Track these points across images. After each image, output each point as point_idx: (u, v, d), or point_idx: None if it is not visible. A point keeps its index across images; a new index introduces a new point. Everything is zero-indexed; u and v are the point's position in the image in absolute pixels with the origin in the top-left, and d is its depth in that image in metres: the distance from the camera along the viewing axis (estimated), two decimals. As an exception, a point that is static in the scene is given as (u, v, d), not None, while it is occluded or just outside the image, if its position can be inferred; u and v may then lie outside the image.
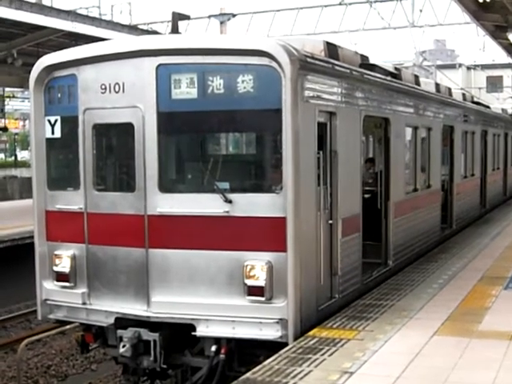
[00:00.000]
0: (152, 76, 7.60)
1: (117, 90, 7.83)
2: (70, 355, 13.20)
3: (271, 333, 7.34)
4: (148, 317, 7.72)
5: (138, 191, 7.78)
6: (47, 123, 8.49)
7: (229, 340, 7.50)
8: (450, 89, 17.09)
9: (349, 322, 7.94)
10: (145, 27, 29.33)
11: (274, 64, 7.24)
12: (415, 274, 10.74)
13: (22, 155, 55.52)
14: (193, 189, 7.91)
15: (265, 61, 7.27)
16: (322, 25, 44.97)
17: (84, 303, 8.21)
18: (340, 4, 31.15)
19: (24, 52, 19.64)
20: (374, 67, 10.38)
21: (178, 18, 8.65)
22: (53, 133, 8.48)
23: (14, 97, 39.98)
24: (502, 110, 26.18)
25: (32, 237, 8.88)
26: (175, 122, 7.94)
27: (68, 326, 10.27)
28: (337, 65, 8.61)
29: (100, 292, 8.12)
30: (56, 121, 8.44)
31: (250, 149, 8.45)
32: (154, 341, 7.58)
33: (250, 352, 7.63)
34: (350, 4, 31.25)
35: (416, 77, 13.65)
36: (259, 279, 7.33)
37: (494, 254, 12.64)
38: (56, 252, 8.42)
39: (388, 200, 10.56)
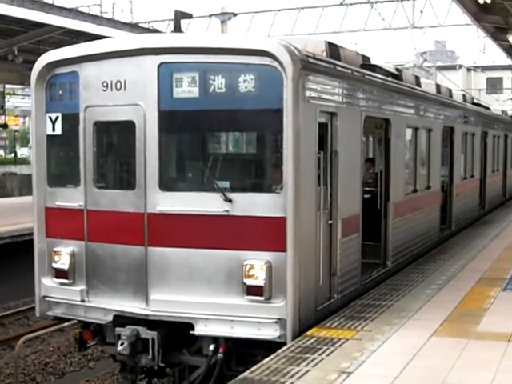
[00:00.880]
0: (154, 74, 7.61)
1: (118, 87, 7.83)
2: (68, 353, 13.21)
3: (270, 332, 7.34)
4: (146, 315, 7.72)
5: (138, 189, 7.78)
6: (48, 120, 8.49)
7: (227, 339, 7.50)
8: (450, 90, 17.10)
9: (347, 321, 7.95)
10: (146, 26, 29.33)
11: (275, 64, 7.24)
12: (414, 274, 10.75)
13: (22, 152, 55.47)
14: (193, 187, 7.91)
15: (266, 60, 7.27)
16: (323, 25, 44.94)
17: (82, 300, 8.22)
18: (341, 4, 31.16)
19: (25, 49, 19.63)
20: (375, 68, 10.38)
21: (180, 16, 8.64)
22: (53, 130, 8.48)
23: (14, 94, 39.95)
24: (502, 111, 26.19)
25: (31, 234, 8.87)
26: (176, 121, 7.95)
27: (66, 324, 10.28)
28: (338, 65, 8.62)
29: (99, 289, 8.12)
30: (57, 118, 8.44)
31: (251, 148, 8.46)
32: (153, 339, 7.58)
33: (248, 351, 7.63)
34: (351, 4, 31.26)
35: (417, 78, 13.66)
36: (258, 279, 7.33)
37: (492, 255, 12.65)
38: (55, 249, 8.42)
39: (388, 200, 10.56)
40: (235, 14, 30.44)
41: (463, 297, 9.28)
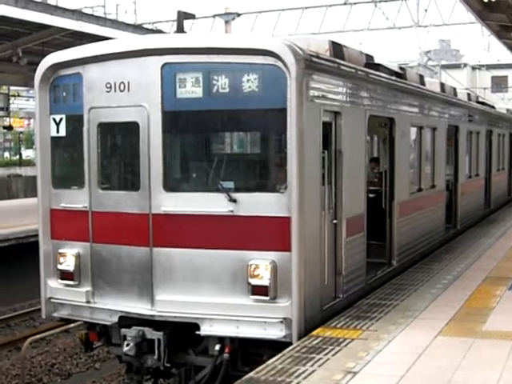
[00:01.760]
0: (157, 75, 7.61)
1: (122, 88, 7.84)
2: (74, 354, 13.22)
3: (275, 332, 7.34)
4: (152, 316, 7.72)
5: (142, 190, 7.79)
6: (52, 122, 8.50)
7: (232, 339, 7.51)
8: (454, 89, 17.06)
9: (353, 321, 7.94)
10: (150, 26, 29.34)
11: (279, 63, 7.24)
12: (419, 273, 10.73)
13: (27, 154, 55.61)
14: (197, 188, 7.91)
15: (270, 60, 7.27)
16: (327, 24, 44.99)
17: (88, 302, 8.22)
18: (345, 4, 31.13)
19: (29, 51, 19.65)
20: (379, 67, 10.37)
21: (183, 17, 8.64)
22: (58, 131, 8.49)
23: (18, 96, 40.02)
24: (507, 110, 26.14)
25: (36, 235, 8.89)
26: (180, 121, 7.95)
27: (72, 325, 10.29)
28: (342, 64, 8.60)
29: (104, 290, 8.13)
30: (61, 119, 8.45)
31: (255, 148, 8.46)
32: (158, 340, 7.59)
33: (253, 351, 7.63)
34: (355, 4, 31.22)
35: (421, 77, 13.63)
36: (263, 278, 7.33)
37: (498, 254, 12.62)
38: (60, 250, 8.43)
39: (392, 200, 10.54)
40: (239, 14, 30.47)
41: (469, 296, 9.26)
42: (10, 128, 35.29)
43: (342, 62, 8.76)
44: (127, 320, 7.85)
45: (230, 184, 7.62)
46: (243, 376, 6.36)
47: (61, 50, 8.66)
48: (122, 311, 7.92)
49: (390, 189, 10.55)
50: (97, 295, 8.20)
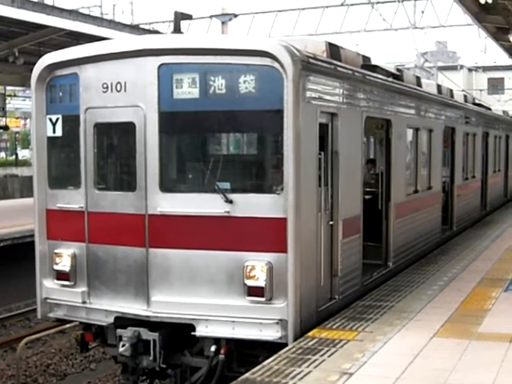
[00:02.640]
0: (154, 75, 7.61)
1: (118, 89, 7.83)
2: (70, 354, 13.20)
3: (271, 333, 7.34)
4: (148, 316, 7.72)
5: (138, 190, 7.78)
6: (48, 122, 8.49)
7: (228, 340, 7.50)
8: (451, 90, 17.09)
9: (348, 322, 7.94)
10: (146, 27, 29.34)
11: (275, 64, 7.24)
12: (415, 275, 10.74)
13: (23, 154, 55.47)
14: (194, 189, 7.90)
15: (267, 61, 7.27)
16: (324, 25, 44.88)
17: (84, 302, 8.21)
18: (342, 5, 31.17)
19: (25, 51, 19.63)
20: (375, 68, 10.38)
21: (180, 17, 8.63)
22: (54, 131, 8.48)
23: (15, 96, 39.98)
24: (503, 111, 26.18)
25: (32, 236, 8.87)
26: (177, 122, 7.94)
27: (68, 325, 10.27)
28: (339, 66, 8.61)
29: (100, 291, 8.12)
30: (57, 119, 8.44)
31: (252, 149, 8.45)
32: (154, 340, 7.58)
33: (249, 352, 7.63)
34: (352, 5, 31.27)
35: (418, 78, 13.65)
36: (259, 280, 7.33)
37: (494, 256, 12.64)
38: (56, 250, 8.42)
39: (389, 201, 10.55)
40: (236, 15, 30.47)
41: (465, 298, 9.27)
42: (6, 128, 35.22)
43: (339, 63, 8.77)
44: (123, 321, 7.84)
45: (227, 185, 7.62)
46: (239, 377, 6.36)
47: (57, 50, 8.64)
48: (117, 312, 7.91)
49: (386, 190, 10.55)
50: (93, 296, 8.18)
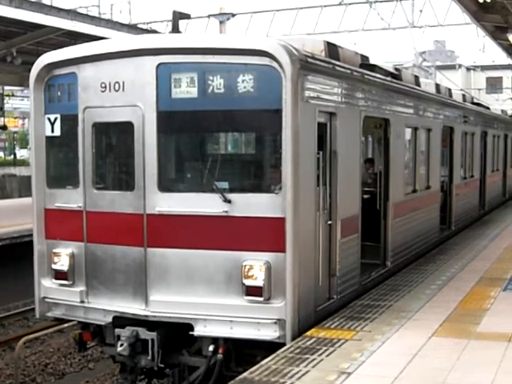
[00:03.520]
0: (152, 75, 7.60)
1: (117, 88, 7.83)
2: (68, 353, 13.20)
3: (269, 333, 7.33)
4: (146, 316, 7.71)
5: (137, 190, 7.78)
6: (47, 121, 8.49)
7: (226, 340, 7.50)
8: (449, 90, 17.09)
9: (347, 322, 7.94)
10: (144, 26, 29.32)
11: (274, 64, 7.23)
12: (414, 274, 10.74)
13: (21, 154, 55.43)
14: (192, 188, 7.90)
15: (265, 61, 7.27)
16: (322, 25, 45.01)
17: (82, 301, 8.21)
18: (340, 4, 31.16)
19: (23, 50, 19.60)
20: (374, 68, 10.38)
21: (178, 16, 8.63)
22: (52, 131, 8.48)
23: (13, 95, 39.92)
24: (502, 111, 26.20)
25: (31, 235, 8.87)
26: (175, 121, 7.94)
27: (66, 325, 10.28)
28: (337, 65, 8.61)
29: (98, 290, 8.12)
30: (56, 119, 8.43)
31: (250, 149, 8.45)
32: (152, 340, 7.57)
33: (247, 352, 7.63)
34: (350, 4, 31.25)
35: (416, 77, 13.65)
36: (257, 279, 7.32)
37: (492, 255, 12.64)
38: (55, 250, 8.41)
39: (387, 201, 10.55)
40: (234, 15, 30.44)
41: (463, 297, 9.27)
42: (4, 128, 35.19)
43: (337, 62, 8.76)
44: (121, 320, 7.84)
45: (225, 184, 7.62)
46: (237, 376, 6.36)
47: (55, 49, 8.64)
48: (116, 311, 7.91)
49: (384, 190, 10.55)
50: (91, 295, 8.18)
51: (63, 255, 8.33)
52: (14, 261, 15.93)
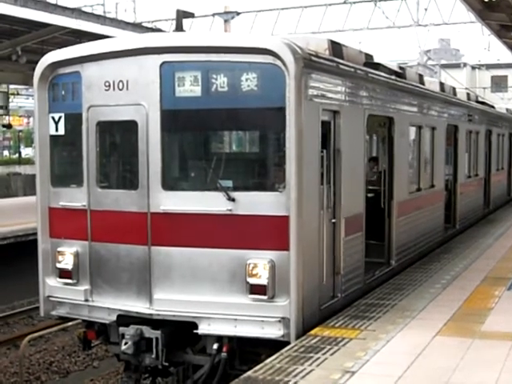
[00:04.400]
0: (156, 74, 7.60)
1: (121, 87, 7.83)
2: (72, 352, 13.23)
3: (273, 331, 7.33)
4: (150, 314, 7.72)
5: (141, 189, 7.78)
6: (51, 120, 8.49)
7: (230, 338, 7.50)
8: (454, 88, 17.05)
9: (351, 321, 7.94)
10: (149, 25, 29.33)
11: (278, 62, 7.23)
12: (418, 273, 10.73)
13: (26, 152, 55.50)
14: (196, 187, 7.90)
15: (269, 59, 7.26)
16: (327, 23, 44.85)
17: (86, 300, 8.22)
18: (344, 3, 31.12)
19: (28, 49, 19.64)
20: (378, 66, 10.36)
21: (182, 15, 8.63)
22: (57, 130, 8.49)
23: (18, 94, 39.99)
24: (507, 109, 26.13)
25: (35, 234, 8.88)
26: (179, 120, 7.94)
27: (70, 323, 10.30)
28: (341, 63, 8.60)
29: (102, 289, 8.12)
30: (60, 118, 8.44)
31: (254, 147, 8.45)
32: (156, 338, 7.58)
33: (251, 350, 7.63)
34: (355, 3, 31.20)
35: (420, 76, 13.62)
36: (261, 278, 7.32)
37: (497, 254, 12.61)
38: (59, 249, 8.43)
39: (391, 199, 10.54)
40: (238, 13, 30.45)
41: (468, 296, 9.26)
42: (9, 126, 35.31)
43: (341, 61, 8.75)
44: (125, 318, 7.84)
45: (229, 183, 7.62)
46: (241, 375, 6.36)
47: (60, 48, 8.65)
48: (120, 310, 7.91)
49: (388, 188, 10.54)
50: (95, 294, 8.19)
51: (67, 254, 8.34)
52: (18, 259, 15.96)
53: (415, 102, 11.89)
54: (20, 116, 53.02)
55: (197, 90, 7.52)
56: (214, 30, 32.05)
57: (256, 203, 7.40)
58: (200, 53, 7.50)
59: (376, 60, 10.84)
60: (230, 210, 7.42)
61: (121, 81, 7.82)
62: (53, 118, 8.48)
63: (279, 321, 7.31)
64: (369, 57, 10.57)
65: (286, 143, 7.26)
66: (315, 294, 7.79)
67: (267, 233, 7.39)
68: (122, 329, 7.75)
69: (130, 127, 7.82)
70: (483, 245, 13.75)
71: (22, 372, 11.50)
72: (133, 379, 8.26)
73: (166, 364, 7.82)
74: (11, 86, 32.27)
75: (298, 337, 7.26)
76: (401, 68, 12.23)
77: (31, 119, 51.38)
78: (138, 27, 21.77)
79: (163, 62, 7.59)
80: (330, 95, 8.14)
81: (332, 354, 6.75)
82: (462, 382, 6.05)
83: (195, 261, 7.59)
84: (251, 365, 6.92)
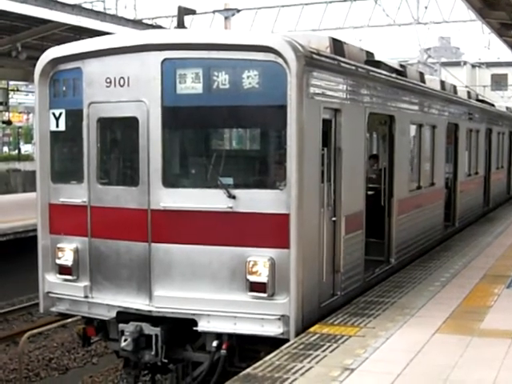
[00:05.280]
0: (157, 70, 7.60)
1: (122, 83, 7.82)
2: (72, 348, 13.23)
3: (273, 329, 7.34)
4: (150, 311, 7.72)
5: (141, 185, 7.78)
6: (52, 116, 8.49)
7: (230, 335, 7.51)
8: (454, 86, 17.05)
9: (350, 318, 7.94)
10: (150, 22, 29.32)
11: (279, 60, 7.23)
12: (417, 271, 10.74)
13: (26, 149, 55.52)
14: (196, 184, 7.91)
15: (270, 57, 7.26)
16: (327, 21, 44.88)
17: (86, 296, 8.22)
18: (345, 0, 31.10)
19: (28, 45, 19.64)
20: (379, 64, 10.36)
21: (183, 12, 8.62)
22: (57, 126, 8.48)
23: (18, 90, 39.96)
24: (507, 108, 26.13)
25: (35, 230, 8.88)
26: (180, 117, 7.94)
27: (70, 319, 10.29)
28: (342, 61, 8.59)
29: (102, 286, 8.13)
30: (60, 114, 8.44)
31: (255, 145, 8.45)
32: (156, 335, 7.59)
33: (251, 348, 7.63)
34: (355, 0, 31.21)
35: (421, 74, 13.63)
36: (261, 275, 7.33)
37: (496, 252, 12.63)
38: (59, 245, 8.43)
39: (391, 197, 10.55)
40: (239, 10, 30.39)
41: (467, 294, 9.27)
42: (9, 122, 35.32)
43: (343, 59, 8.75)
44: (125, 315, 7.85)
45: (230, 180, 7.62)
46: (240, 372, 6.36)
47: (60, 44, 8.64)
48: (119, 306, 7.92)
49: (389, 186, 10.55)
50: (95, 290, 8.19)
51: (67, 250, 8.34)
52: (18, 255, 15.96)
53: (416, 101, 11.89)
54: (20, 112, 52.99)
55: (198, 87, 7.52)
56: (214, 27, 32.02)
57: (256, 201, 7.40)
58: (202, 50, 7.50)
59: (377, 58, 10.83)
60: (231, 208, 7.43)
61: (122, 77, 7.82)
62: (53, 114, 8.48)
63: (279, 318, 7.31)
64: (370, 55, 10.57)
65: (287, 141, 7.26)
66: (315, 291, 7.80)
67: (267, 230, 7.39)
68: (121, 325, 7.75)
69: (130, 124, 7.82)
70: (483, 243, 13.76)
71: (21, 368, 11.50)
72: (132, 376, 8.27)
73: (166, 361, 7.84)
74: (11, 82, 32.24)
75: (297, 334, 7.27)
76: (402, 66, 12.24)
77: (31, 115, 51.43)
78: (138, 24, 21.76)
79: (165, 59, 7.59)
80: (331, 93, 8.14)
81: (331, 352, 6.76)
82: (461, 379, 6.06)
83: (195, 258, 7.59)
84: (250, 362, 6.92)
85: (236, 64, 7.39)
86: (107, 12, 25.66)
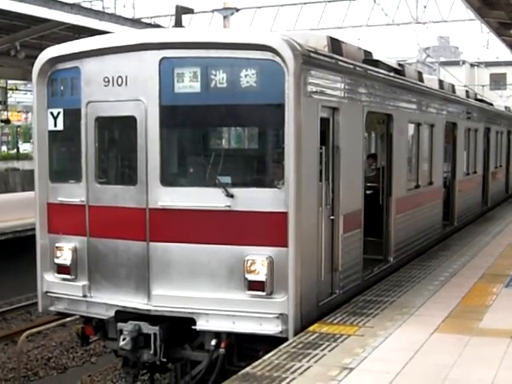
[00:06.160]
0: (155, 69, 7.59)
1: (120, 83, 7.82)
2: (70, 347, 13.23)
3: (271, 328, 7.34)
4: (148, 310, 7.72)
5: (139, 184, 7.78)
6: (50, 115, 8.48)
7: (229, 334, 7.51)
8: (453, 86, 17.06)
9: (349, 317, 7.95)
10: (148, 21, 29.29)
11: (277, 59, 7.22)
12: (416, 270, 10.74)
13: (24, 148, 55.48)
14: (195, 183, 7.91)
15: (268, 55, 7.25)
16: (326, 20, 44.98)
17: (84, 296, 8.22)
18: (343, -1, 31.09)
19: (27, 44, 19.61)
20: (377, 63, 10.36)
21: (181, 11, 8.62)
22: (55, 125, 8.48)
23: (16, 89, 39.93)
24: (505, 107, 26.14)
25: (33, 229, 8.88)
26: (178, 116, 7.93)
27: (68, 319, 10.29)
28: (340, 60, 8.60)
29: (101, 285, 8.12)
30: (59, 113, 8.43)
31: (253, 143, 8.44)
32: (154, 334, 7.59)
33: (249, 347, 7.64)
34: (354, -1, 31.19)
35: (419, 73, 13.63)
36: (260, 274, 7.33)
37: (495, 251, 12.63)
38: (57, 244, 8.42)
39: (390, 196, 10.55)
40: (237, 10, 30.43)
41: (465, 293, 9.27)
42: (7, 122, 35.21)
43: (341, 57, 8.75)
44: (123, 314, 7.84)
45: (228, 179, 7.62)
46: (239, 371, 6.36)
47: (59, 43, 8.63)
48: (118, 305, 7.91)
49: (387, 185, 10.55)
50: (93, 289, 8.19)
51: (66, 249, 8.34)
52: (17, 255, 15.96)
53: (414, 100, 11.89)
54: (18, 111, 52.95)
55: (196, 86, 7.52)
56: (213, 27, 32.00)
57: (254, 199, 7.40)
58: (199, 49, 7.50)
59: (375, 57, 10.83)
60: (229, 206, 7.43)
61: (120, 76, 7.81)
62: (51, 114, 8.47)
63: (277, 317, 7.31)
64: (368, 54, 10.57)
65: (285, 140, 7.26)
66: (313, 290, 7.80)
67: (266, 229, 7.39)
68: (120, 324, 7.74)
69: (128, 123, 7.81)
70: (481, 242, 13.77)
71: (19, 368, 11.49)
72: (131, 375, 8.28)
73: (164, 360, 7.83)
74: (9, 81, 32.20)
75: (296, 333, 7.27)
76: (400, 65, 12.23)
77: (29, 114, 51.30)
78: (136, 23, 21.73)
79: (162, 58, 7.58)
80: (329, 92, 8.14)
81: (330, 351, 6.76)
82: (460, 378, 6.06)
83: (193, 257, 7.59)
84: (249, 361, 6.92)
85: (234, 63, 7.39)
86: (106, 11, 25.62)
